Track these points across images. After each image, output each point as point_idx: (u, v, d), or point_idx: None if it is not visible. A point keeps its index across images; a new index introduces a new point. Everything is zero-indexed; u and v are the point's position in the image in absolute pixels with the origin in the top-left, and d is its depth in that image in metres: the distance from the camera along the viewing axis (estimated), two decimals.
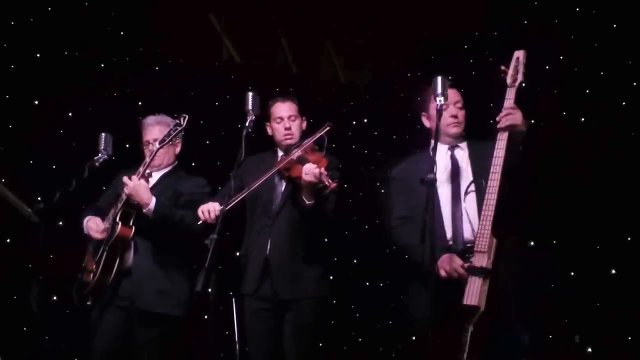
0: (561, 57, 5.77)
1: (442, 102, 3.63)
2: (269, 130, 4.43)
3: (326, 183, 3.81)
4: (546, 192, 5.58)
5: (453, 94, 3.95)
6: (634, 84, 5.67)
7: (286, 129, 4.33)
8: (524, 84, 3.85)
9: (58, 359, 5.39)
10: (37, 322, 4.22)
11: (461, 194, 3.86)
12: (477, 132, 4.11)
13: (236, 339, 4.43)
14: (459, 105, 4.00)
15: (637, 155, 5.48)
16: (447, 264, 3.67)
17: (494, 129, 3.82)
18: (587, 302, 5.46)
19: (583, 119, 5.58)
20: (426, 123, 4.07)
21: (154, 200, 4.22)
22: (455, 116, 3.96)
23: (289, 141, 4.31)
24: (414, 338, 3.77)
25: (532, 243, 5.73)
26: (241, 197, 4.02)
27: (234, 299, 4.48)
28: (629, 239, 5.54)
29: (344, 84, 6.85)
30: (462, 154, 3.99)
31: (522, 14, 5.96)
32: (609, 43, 5.70)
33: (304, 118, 4.41)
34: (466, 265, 3.65)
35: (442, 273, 3.66)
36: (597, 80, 5.69)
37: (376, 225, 5.99)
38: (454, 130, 3.98)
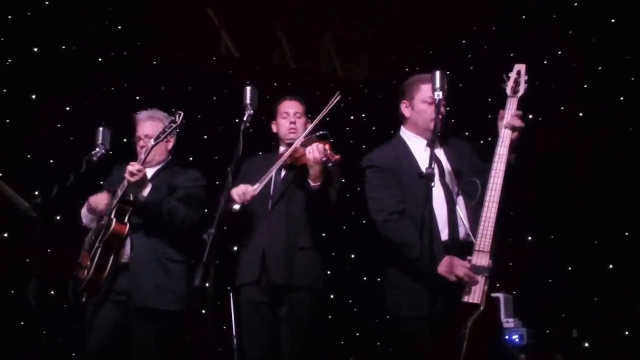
0: (561, 56, 5.77)
1: (441, 97, 3.63)
2: (274, 128, 4.48)
3: (330, 157, 3.92)
4: (543, 190, 5.59)
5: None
6: (634, 83, 5.67)
7: (291, 123, 4.40)
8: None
9: (55, 353, 5.38)
10: (34, 317, 4.20)
11: (452, 193, 3.85)
12: (475, 129, 4.12)
13: (234, 334, 4.43)
14: (445, 102, 3.85)
15: (637, 155, 5.48)
16: (457, 268, 3.61)
17: (490, 126, 3.82)
18: (584, 297, 5.47)
19: (584, 119, 5.58)
20: (405, 112, 3.99)
21: (150, 186, 4.22)
22: (442, 114, 3.83)
23: (292, 135, 4.35)
24: (409, 335, 3.74)
25: (529, 238, 5.76)
26: (266, 180, 4.13)
27: (231, 294, 4.47)
28: (627, 234, 5.55)
29: (342, 79, 6.85)
30: (439, 150, 3.95)
31: (521, 13, 5.95)
32: (609, 43, 5.70)
33: (309, 119, 4.44)
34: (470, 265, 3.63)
35: (452, 278, 3.60)
36: (597, 80, 5.69)
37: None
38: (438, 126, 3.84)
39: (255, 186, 4.13)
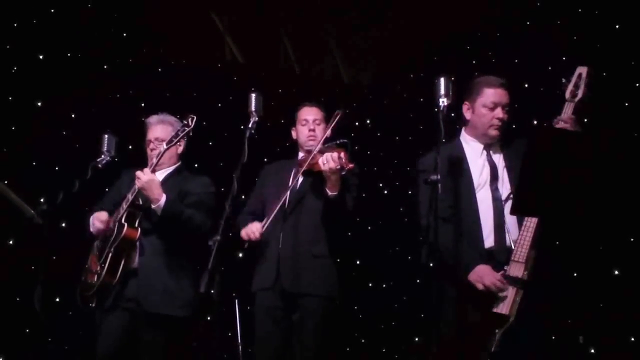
0: (562, 57, 5.76)
1: (445, 103, 3.61)
2: (294, 134, 4.50)
3: (344, 166, 3.93)
4: (546, 193, 5.56)
5: (504, 95, 3.83)
6: (636, 85, 5.66)
7: (310, 130, 4.41)
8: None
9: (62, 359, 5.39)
10: (40, 323, 4.21)
11: (501, 200, 3.77)
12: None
13: (239, 340, 4.43)
14: (507, 108, 3.86)
15: (638, 156, 5.46)
16: (488, 278, 3.57)
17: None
18: (590, 303, 5.45)
19: (584, 119, 5.56)
20: (467, 114, 3.92)
21: (164, 196, 4.22)
22: (501, 119, 3.83)
23: (311, 142, 4.36)
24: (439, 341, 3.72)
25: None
26: (274, 214, 4.15)
27: (236, 300, 4.48)
28: (632, 239, 5.53)
29: (347, 84, 6.85)
30: (498, 156, 3.89)
31: (522, 14, 5.95)
32: (611, 42, 5.69)
33: (328, 126, 4.43)
34: (502, 274, 3.59)
35: (480, 286, 3.57)
36: (598, 80, 5.68)
37: (379, 226, 6.00)
38: (495, 132, 3.83)
39: (264, 222, 4.16)
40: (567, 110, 3.75)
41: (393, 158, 6.10)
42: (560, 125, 3.70)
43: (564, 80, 3.81)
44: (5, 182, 4.77)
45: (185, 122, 4.18)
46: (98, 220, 4.36)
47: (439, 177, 3.43)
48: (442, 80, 3.63)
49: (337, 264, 4.31)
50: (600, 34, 5.75)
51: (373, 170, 6.05)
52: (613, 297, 5.41)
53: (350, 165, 3.96)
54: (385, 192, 5.94)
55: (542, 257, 3.65)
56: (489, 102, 3.79)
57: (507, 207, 3.74)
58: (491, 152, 3.88)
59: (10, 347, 5.38)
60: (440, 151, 3.83)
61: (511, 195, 3.75)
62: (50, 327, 5.07)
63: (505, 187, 3.81)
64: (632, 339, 5.37)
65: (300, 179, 4.31)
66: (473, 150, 3.90)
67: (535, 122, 4.41)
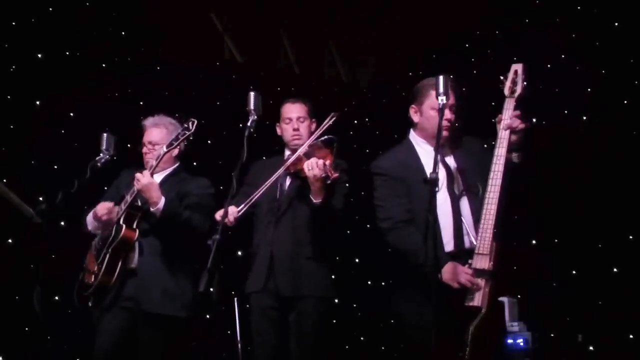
0: (562, 56, 5.76)
1: (444, 102, 3.62)
2: (279, 131, 4.47)
3: (328, 174, 3.88)
4: (546, 192, 5.58)
5: (451, 97, 3.80)
6: (635, 83, 5.66)
7: (294, 129, 4.37)
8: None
9: (60, 358, 5.39)
10: (39, 322, 4.21)
11: (458, 201, 3.83)
12: (476, 132, 4.11)
13: (238, 339, 4.43)
14: (454, 109, 3.89)
15: (637, 155, 5.47)
16: (459, 275, 3.62)
17: (492, 129, 3.83)
18: (589, 301, 5.46)
19: (584, 119, 5.57)
20: (414, 117, 3.97)
21: (163, 199, 4.22)
22: (449, 120, 3.84)
23: (296, 142, 4.33)
24: (414, 342, 3.74)
25: (534, 242, 5.74)
26: (252, 200, 4.10)
27: (235, 299, 4.48)
28: (631, 237, 5.54)
29: (346, 84, 6.85)
30: (449, 157, 3.92)
31: (522, 14, 5.95)
32: (610, 42, 5.69)
33: (313, 120, 4.42)
34: (469, 267, 3.64)
35: (455, 285, 3.62)
36: (598, 80, 5.69)
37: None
38: (445, 133, 3.78)
39: (240, 207, 4.11)
40: (509, 106, 3.79)
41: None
42: (508, 123, 3.74)
43: (501, 78, 3.83)
44: (4, 181, 4.78)
45: (186, 126, 4.17)
46: (102, 210, 4.34)
47: (437, 175, 3.45)
48: (441, 78, 3.63)
49: (332, 264, 4.31)
50: (600, 33, 5.75)
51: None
52: (612, 295, 5.42)
53: (335, 175, 3.91)
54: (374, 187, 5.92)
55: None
56: (437, 103, 3.71)
57: (462, 205, 3.82)
58: (444, 153, 3.89)
59: (9, 346, 5.38)
60: (390, 154, 3.99)
61: (464, 192, 3.82)
62: (49, 326, 5.07)
63: (458, 188, 3.85)
64: (631, 337, 5.38)
65: (289, 181, 4.29)
66: (425, 152, 3.92)
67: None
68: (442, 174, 3.80)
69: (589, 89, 5.76)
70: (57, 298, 5.45)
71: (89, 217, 4.44)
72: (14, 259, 5.31)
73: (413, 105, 3.98)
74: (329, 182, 3.95)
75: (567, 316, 5.47)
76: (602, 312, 5.42)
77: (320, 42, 6.82)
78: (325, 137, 4.13)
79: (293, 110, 4.40)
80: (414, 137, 4.00)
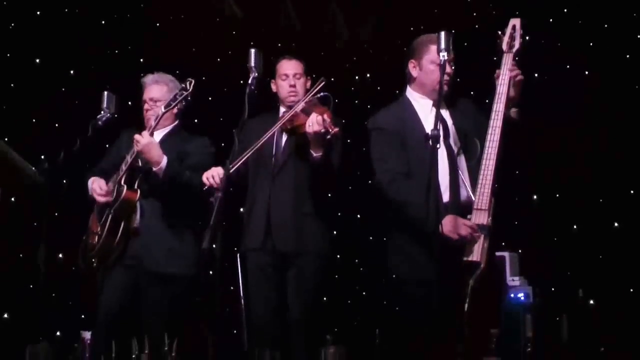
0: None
1: (446, 58, 3.62)
2: (274, 87, 4.44)
3: (329, 129, 3.88)
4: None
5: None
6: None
7: (291, 86, 4.36)
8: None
9: (65, 318, 5.44)
10: (44, 281, 4.25)
11: (455, 155, 3.86)
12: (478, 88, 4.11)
13: (241, 294, 4.47)
14: (453, 63, 3.92)
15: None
16: (459, 227, 3.64)
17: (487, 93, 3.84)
18: (590, 256, 5.49)
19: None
20: (413, 72, 3.99)
21: (165, 158, 4.23)
22: (449, 74, 3.87)
23: (292, 98, 4.33)
24: (413, 298, 3.77)
25: (534, 197, 5.75)
26: (244, 158, 4.06)
27: (238, 255, 4.51)
28: (632, 192, 5.55)
29: (347, 40, 6.80)
30: (445, 112, 3.93)
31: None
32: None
33: (308, 78, 4.42)
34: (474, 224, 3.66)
35: (455, 236, 3.64)
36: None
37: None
38: (445, 88, 3.82)
39: (229, 166, 4.03)
40: (507, 61, 3.82)
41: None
42: (508, 76, 3.78)
43: (499, 33, 3.83)
44: (6, 139, 4.78)
45: (184, 86, 4.17)
46: (98, 193, 4.36)
47: (439, 131, 3.45)
48: (442, 34, 3.65)
49: (332, 220, 4.33)
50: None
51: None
52: (613, 251, 5.44)
53: (336, 130, 3.92)
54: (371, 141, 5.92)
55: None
56: (436, 57, 3.75)
57: (460, 161, 3.86)
58: (441, 108, 3.86)
59: (13, 305, 5.42)
60: (388, 109, 4.01)
61: (461, 151, 3.85)
62: (53, 285, 5.11)
63: (455, 144, 3.88)
64: (631, 290, 5.42)
65: (284, 138, 4.29)
66: (422, 107, 3.95)
67: None
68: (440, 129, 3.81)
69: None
70: (60, 256, 5.49)
71: (90, 182, 4.46)
72: (16, 218, 5.33)
73: (412, 60, 3.99)
74: (328, 137, 3.96)
75: (568, 271, 5.50)
76: (602, 267, 5.45)
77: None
78: (321, 94, 4.13)
79: (289, 67, 4.39)
80: (410, 93, 4.02)
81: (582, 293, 4.98)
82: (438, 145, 3.47)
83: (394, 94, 5.40)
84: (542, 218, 5.58)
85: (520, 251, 4.78)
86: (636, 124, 5.53)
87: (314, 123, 3.91)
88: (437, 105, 3.65)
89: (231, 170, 3.93)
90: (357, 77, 6.32)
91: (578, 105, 5.54)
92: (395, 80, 5.91)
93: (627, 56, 5.70)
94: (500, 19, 4.09)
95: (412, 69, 3.99)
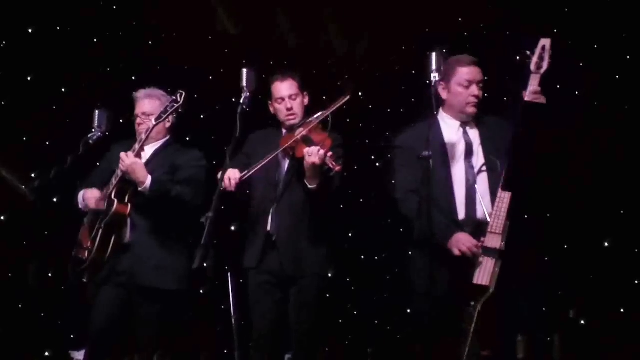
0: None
1: (437, 79, 3.66)
2: (272, 109, 4.42)
3: (330, 165, 3.87)
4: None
5: (478, 73, 3.94)
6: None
7: (288, 109, 4.32)
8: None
9: (55, 334, 5.41)
10: (34, 298, 4.23)
11: (474, 174, 3.87)
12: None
13: (232, 313, 4.46)
14: (481, 85, 3.96)
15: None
16: (463, 244, 3.67)
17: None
18: (580, 276, 5.48)
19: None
20: (442, 94, 3.99)
21: (149, 178, 4.22)
22: (476, 96, 3.93)
23: (292, 121, 4.31)
24: (418, 313, 3.79)
25: (525, 217, 5.75)
26: (254, 170, 4.08)
27: (229, 274, 4.50)
28: (622, 212, 5.56)
29: (340, 56, 6.81)
30: (474, 132, 3.98)
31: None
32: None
33: (305, 94, 4.39)
34: (479, 244, 3.67)
35: (456, 252, 3.67)
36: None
37: (372, 197, 6.00)
38: (472, 110, 3.94)
39: (244, 173, 4.09)
40: (534, 82, 3.78)
41: (385, 130, 6.07)
42: (531, 98, 3.74)
43: (528, 53, 3.82)
44: None
45: (174, 98, 4.17)
46: (92, 199, 4.35)
47: (430, 152, 3.50)
48: (433, 55, 3.67)
49: (329, 241, 4.32)
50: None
51: (365, 142, 6.02)
52: (603, 270, 5.44)
53: (338, 168, 3.91)
54: (377, 164, 5.91)
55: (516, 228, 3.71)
56: (463, 80, 3.89)
57: (480, 180, 3.87)
58: (467, 128, 3.99)
59: (4, 321, 5.39)
60: (416, 129, 4.01)
61: (484, 167, 3.87)
62: (43, 301, 5.09)
63: (479, 162, 3.91)
64: (622, 310, 5.42)
65: (287, 162, 4.27)
66: (449, 127, 3.99)
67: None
68: (461, 147, 3.92)
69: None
70: (50, 274, 5.46)
71: (80, 195, 4.45)
72: (7, 236, 5.32)
73: (441, 82, 3.96)
74: (331, 174, 3.95)
75: (559, 291, 5.50)
76: (593, 287, 5.45)
77: (316, 15, 6.75)
78: (320, 114, 4.13)
79: (284, 89, 4.34)
80: (441, 114, 4.06)
81: (573, 314, 4.98)
82: (431, 166, 3.51)
83: (387, 112, 5.42)
84: (533, 237, 5.57)
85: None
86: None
87: (314, 155, 3.90)
88: (436, 122, 3.68)
89: (244, 178, 4.00)
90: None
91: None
92: (388, 98, 5.94)
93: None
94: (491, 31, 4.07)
95: (442, 91, 4.00)
